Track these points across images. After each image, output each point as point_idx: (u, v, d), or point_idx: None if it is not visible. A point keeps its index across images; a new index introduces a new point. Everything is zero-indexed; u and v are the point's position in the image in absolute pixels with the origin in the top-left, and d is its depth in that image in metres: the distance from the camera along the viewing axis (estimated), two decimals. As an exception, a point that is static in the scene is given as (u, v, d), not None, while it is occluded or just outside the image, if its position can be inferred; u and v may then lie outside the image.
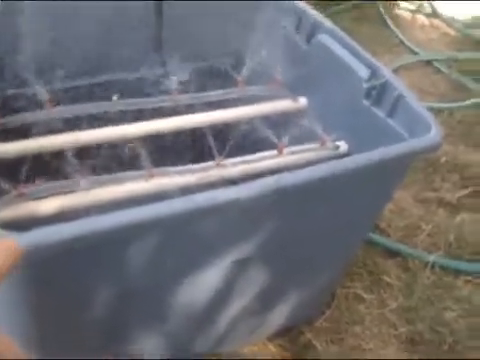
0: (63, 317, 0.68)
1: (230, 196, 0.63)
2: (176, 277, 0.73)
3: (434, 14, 2.15)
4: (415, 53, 1.91)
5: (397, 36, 1.99)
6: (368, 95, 0.87)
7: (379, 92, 0.86)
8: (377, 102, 0.86)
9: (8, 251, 0.43)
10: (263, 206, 0.68)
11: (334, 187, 0.75)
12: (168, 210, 0.60)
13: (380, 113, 0.86)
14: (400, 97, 0.83)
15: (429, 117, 0.79)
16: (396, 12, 2.16)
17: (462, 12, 2.17)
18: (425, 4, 2.20)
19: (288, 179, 0.67)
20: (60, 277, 0.62)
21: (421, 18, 2.16)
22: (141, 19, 0.98)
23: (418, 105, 0.82)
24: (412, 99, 0.83)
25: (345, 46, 0.92)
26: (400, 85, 0.84)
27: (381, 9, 2.12)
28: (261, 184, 0.65)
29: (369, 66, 0.88)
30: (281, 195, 0.67)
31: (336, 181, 0.72)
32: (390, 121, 0.84)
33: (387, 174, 0.81)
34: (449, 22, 2.10)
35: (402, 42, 1.96)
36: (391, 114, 0.84)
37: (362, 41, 1.77)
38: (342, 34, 0.94)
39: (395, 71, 1.78)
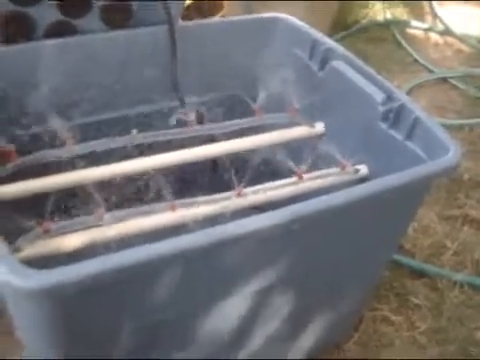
0: (90, 351, 0.68)
1: (251, 226, 0.63)
2: (201, 307, 0.73)
3: (447, 31, 2.14)
4: (430, 71, 1.90)
5: (411, 55, 1.99)
6: (385, 118, 0.88)
7: (396, 115, 0.86)
8: (394, 125, 0.87)
9: None
10: (285, 234, 0.68)
11: (355, 212, 0.75)
12: (190, 243, 0.61)
13: (398, 136, 0.86)
14: (417, 119, 0.83)
15: (447, 138, 0.79)
16: (408, 31, 2.17)
17: (475, 28, 2.17)
18: (437, 22, 2.21)
19: (310, 207, 0.67)
20: (85, 312, 0.62)
21: (434, 36, 2.16)
22: (155, 52, 0.99)
23: (436, 127, 0.82)
24: (429, 121, 0.83)
25: (359, 71, 0.93)
26: (416, 108, 0.85)
27: (393, 29, 2.13)
28: (282, 213, 0.65)
29: (384, 90, 0.89)
30: (303, 223, 0.67)
31: (357, 206, 0.72)
32: (408, 143, 0.85)
33: (407, 196, 0.81)
34: (462, 39, 2.09)
35: (417, 61, 1.96)
36: (409, 136, 0.85)
37: (377, 62, 1.79)
38: (355, 59, 0.95)
39: (411, 90, 1.78)
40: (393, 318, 1.10)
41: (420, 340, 1.07)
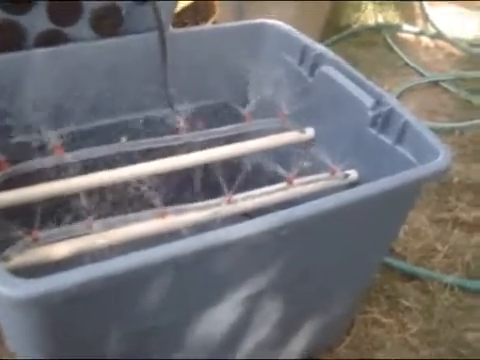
0: (79, 358, 0.68)
1: (241, 232, 0.64)
2: (192, 314, 0.73)
3: (438, 35, 2.15)
4: (422, 75, 1.91)
5: (402, 59, 2.00)
6: (374, 123, 0.88)
7: (385, 120, 0.87)
8: (384, 130, 0.87)
9: None
10: (275, 240, 0.69)
11: (345, 217, 0.75)
12: (181, 250, 0.61)
13: (387, 140, 0.87)
14: (406, 124, 0.84)
15: (437, 142, 0.80)
16: (399, 35, 2.17)
17: (466, 31, 2.17)
18: (428, 25, 2.21)
19: (299, 212, 0.68)
20: (74, 321, 0.62)
21: (425, 40, 2.17)
22: (145, 60, 0.99)
23: (425, 130, 0.83)
24: (419, 125, 0.84)
25: (349, 76, 0.93)
26: (406, 112, 0.85)
27: (385, 33, 2.13)
28: (272, 219, 0.66)
29: (373, 94, 0.89)
30: (293, 228, 0.67)
31: (347, 211, 0.73)
32: (398, 148, 0.85)
33: (398, 200, 0.81)
34: (454, 42, 2.10)
35: (408, 64, 1.97)
36: (399, 141, 0.85)
37: (368, 66, 1.80)
38: (345, 64, 0.95)
39: (402, 93, 1.78)
40: (384, 321, 1.10)
41: (411, 342, 1.07)
